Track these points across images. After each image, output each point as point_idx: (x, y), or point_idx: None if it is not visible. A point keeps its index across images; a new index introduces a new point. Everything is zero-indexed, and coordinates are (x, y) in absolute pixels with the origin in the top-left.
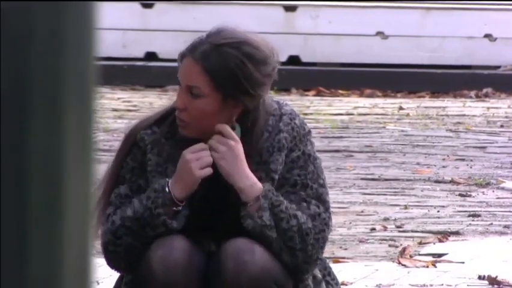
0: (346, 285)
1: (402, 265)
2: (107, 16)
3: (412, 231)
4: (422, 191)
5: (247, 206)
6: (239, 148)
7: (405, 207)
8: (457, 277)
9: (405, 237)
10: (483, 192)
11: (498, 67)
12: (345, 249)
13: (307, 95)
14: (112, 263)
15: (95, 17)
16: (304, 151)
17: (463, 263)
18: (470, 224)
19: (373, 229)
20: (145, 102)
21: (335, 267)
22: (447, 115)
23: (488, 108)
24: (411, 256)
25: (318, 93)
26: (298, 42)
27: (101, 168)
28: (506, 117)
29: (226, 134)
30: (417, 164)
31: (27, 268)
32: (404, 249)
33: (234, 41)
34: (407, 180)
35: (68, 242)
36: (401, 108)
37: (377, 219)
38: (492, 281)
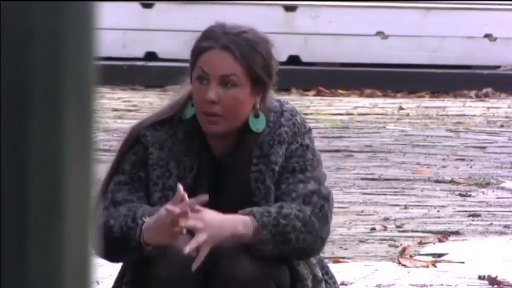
0: (346, 285)
1: (402, 265)
2: (107, 16)
3: (412, 231)
4: (422, 191)
5: (253, 247)
6: (209, 218)
7: (405, 207)
8: (457, 277)
9: (405, 237)
10: (483, 192)
11: (498, 67)
12: (345, 249)
13: (307, 95)
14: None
15: (95, 17)
16: (302, 143)
17: (463, 263)
18: (470, 224)
19: (373, 229)
20: (145, 102)
21: (335, 267)
22: (447, 115)
23: (488, 108)
24: (411, 256)
25: (318, 93)
26: (298, 42)
27: (101, 168)
28: (506, 117)
29: (190, 228)
30: (417, 164)
31: (27, 268)
32: (404, 249)
33: (251, 29)
34: (407, 180)
35: (68, 242)
36: (401, 108)
37: (377, 219)
38: (492, 281)
